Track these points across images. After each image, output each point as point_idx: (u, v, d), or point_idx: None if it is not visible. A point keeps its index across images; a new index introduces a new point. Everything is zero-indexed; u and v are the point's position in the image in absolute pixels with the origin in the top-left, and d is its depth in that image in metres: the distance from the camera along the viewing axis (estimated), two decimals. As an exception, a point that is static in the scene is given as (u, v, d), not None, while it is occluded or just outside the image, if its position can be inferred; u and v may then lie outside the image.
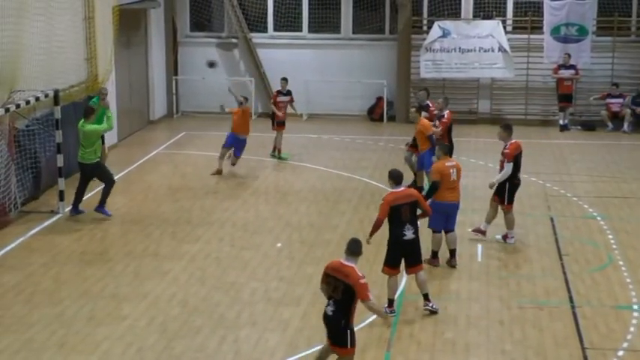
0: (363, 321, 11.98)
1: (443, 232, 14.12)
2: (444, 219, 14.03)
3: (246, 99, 20.65)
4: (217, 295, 12.97)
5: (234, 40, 27.55)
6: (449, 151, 14.76)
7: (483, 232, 15.33)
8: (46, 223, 16.41)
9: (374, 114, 27.08)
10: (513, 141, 15.02)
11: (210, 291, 13.15)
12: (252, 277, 13.75)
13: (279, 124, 21.66)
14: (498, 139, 15.32)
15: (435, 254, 14.16)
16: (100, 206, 16.62)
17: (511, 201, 15.11)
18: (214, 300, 12.80)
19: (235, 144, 20.03)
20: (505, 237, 15.33)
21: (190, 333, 11.66)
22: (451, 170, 14.00)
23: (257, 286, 13.37)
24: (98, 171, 16.71)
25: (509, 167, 14.85)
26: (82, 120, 16.57)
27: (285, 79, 21.90)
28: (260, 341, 11.46)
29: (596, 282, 13.61)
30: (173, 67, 27.42)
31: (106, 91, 18.76)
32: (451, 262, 14.18)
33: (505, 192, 15.00)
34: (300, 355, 11.08)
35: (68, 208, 16.98)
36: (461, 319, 12.19)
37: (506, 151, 14.88)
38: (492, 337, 11.60)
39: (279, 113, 21.62)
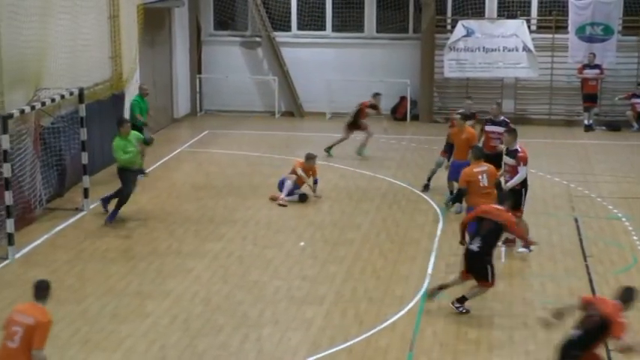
0: (385, 321, 12.00)
1: None
2: None
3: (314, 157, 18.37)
4: (240, 294, 12.99)
5: (257, 39, 27.56)
6: (481, 155, 14.38)
7: (513, 241, 15.04)
8: (71, 221, 16.49)
9: (397, 113, 27.04)
10: (518, 145, 14.65)
11: (232, 289, 13.17)
12: (275, 276, 13.76)
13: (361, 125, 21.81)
14: (503, 143, 15.13)
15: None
16: (109, 210, 16.44)
17: (523, 206, 14.76)
18: (237, 298, 12.81)
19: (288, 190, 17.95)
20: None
21: (213, 331, 11.69)
22: (480, 176, 13.78)
23: (280, 284, 13.38)
24: (121, 177, 16.63)
25: (524, 171, 14.44)
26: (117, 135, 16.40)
27: (379, 94, 22.02)
28: (282, 340, 11.46)
29: (620, 283, 13.41)
30: (197, 66, 27.51)
31: (146, 89, 19.77)
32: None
33: (522, 198, 14.68)
34: (323, 354, 11.08)
35: (94, 205, 17.01)
36: (484, 320, 12.13)
37: (521, 154, 14.44)
38: (516, 338, 11.54)
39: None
